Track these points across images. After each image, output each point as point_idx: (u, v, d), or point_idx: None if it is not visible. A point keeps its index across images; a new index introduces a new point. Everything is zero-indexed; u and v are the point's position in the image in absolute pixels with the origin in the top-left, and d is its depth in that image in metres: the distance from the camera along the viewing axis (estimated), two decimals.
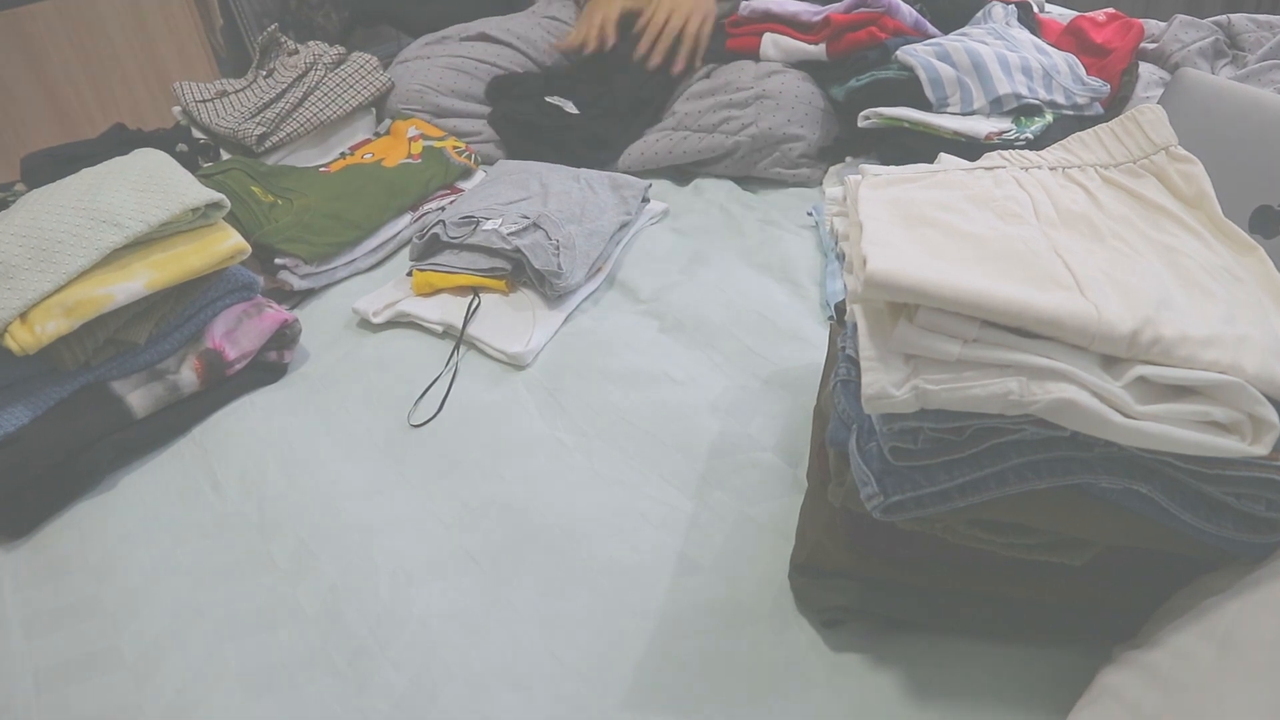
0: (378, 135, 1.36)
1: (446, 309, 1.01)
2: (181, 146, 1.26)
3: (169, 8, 2.05)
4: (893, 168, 0.66)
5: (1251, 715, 0.42)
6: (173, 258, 0.85)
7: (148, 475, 0.86)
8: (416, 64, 1.41)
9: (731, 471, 0.80)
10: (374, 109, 1.39)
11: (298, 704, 0.64)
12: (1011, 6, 1.31)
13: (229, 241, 0.89)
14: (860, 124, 1.15)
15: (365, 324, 1.03)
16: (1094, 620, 0.60)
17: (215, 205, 0.90)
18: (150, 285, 0.84)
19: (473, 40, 1.45)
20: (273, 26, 1.42)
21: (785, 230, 1.15)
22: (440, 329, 1.00)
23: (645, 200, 1.16)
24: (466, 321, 0.98)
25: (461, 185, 1.25)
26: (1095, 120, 1.16)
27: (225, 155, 1.27)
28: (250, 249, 0.91)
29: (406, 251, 1.12)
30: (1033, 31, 1.30)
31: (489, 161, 1.30)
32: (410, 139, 1.29)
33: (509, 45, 1.45)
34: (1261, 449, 0.47)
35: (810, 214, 1.16)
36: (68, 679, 0.67)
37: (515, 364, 0.95)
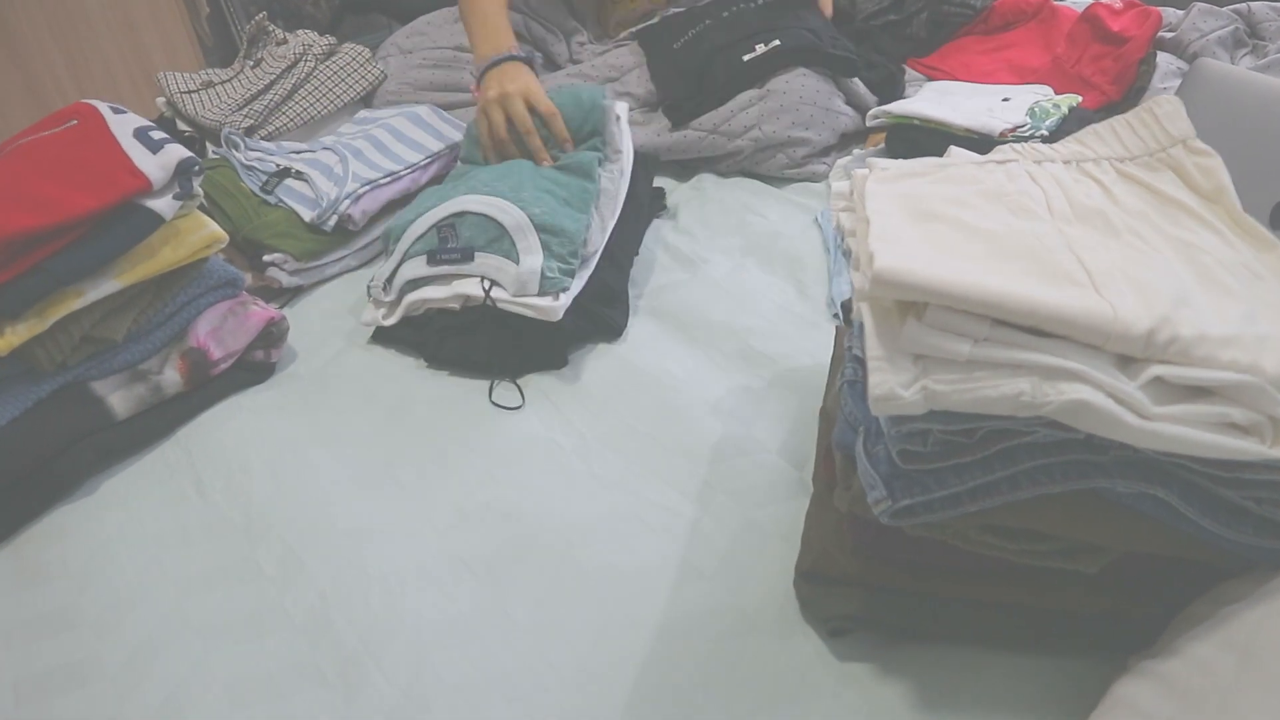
0: None
1: (458, 285, 0.96)
2: None
3: None
4: (901, 161, 0.66)
5: None
6: (145, 250, 0.85)
7: (130, 479, 0.86)
8: (396, 60, 1.41)
9: (735, 475, 0.80)
10: (364, 102, 1.39)
11: (286, 715, 0.64)
12: None
13: (203, 231, 0.89)
14: (868, 124, 1.15)
15: (356, 322, 1.03)
16: (1109, 629, 0.60)
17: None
18: (123, 279, 0.84)
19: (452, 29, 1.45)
20: (260, 15, 1.43)
21: (790, 227, 1.15)
22: (458, 304, 0.96)
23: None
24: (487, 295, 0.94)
25: None
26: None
27: (211, 148, 1.27)
28: (227, 238, 0.91)
29: None
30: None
31: None
32: None
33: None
34: None
35: (817, 220, 1.15)
36: (49, 690, 0.67)
37: (547, 318, 0.92)
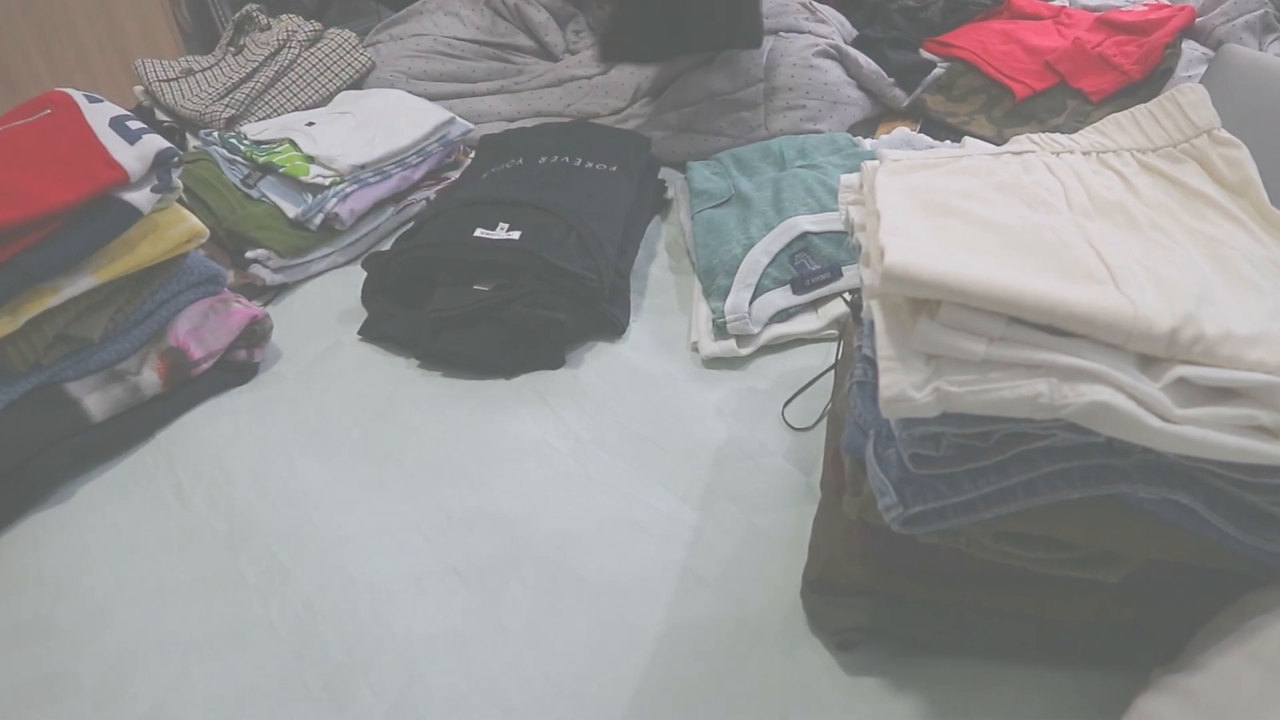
0: None
1: (824, 310, 0.96)
2: None
3: None
4: (912, 152, 0.66)
5: None
6: (123, 245, 0.85)
7: (107, 484, 0.86)
8: (388, 47, 1.41)
9: (738, 479, 0.80)
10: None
11: None
12: None
13: (183, 225, 0.89)
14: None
15: (343, 320, 1.03)
16: (1130, 641, 0.60)
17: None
18: (100, 275, 0.84)
19: (446, 16, 1.46)
20: None
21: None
22: (836, 329, 0.95)
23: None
24: None
25: (450, 175, 1.25)
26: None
27: (191, 139, 1.27)
28: (207, 233, 0.91)
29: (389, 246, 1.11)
30: None
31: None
32: None
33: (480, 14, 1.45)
34: None
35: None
36: (22, 705, 0.67)
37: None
